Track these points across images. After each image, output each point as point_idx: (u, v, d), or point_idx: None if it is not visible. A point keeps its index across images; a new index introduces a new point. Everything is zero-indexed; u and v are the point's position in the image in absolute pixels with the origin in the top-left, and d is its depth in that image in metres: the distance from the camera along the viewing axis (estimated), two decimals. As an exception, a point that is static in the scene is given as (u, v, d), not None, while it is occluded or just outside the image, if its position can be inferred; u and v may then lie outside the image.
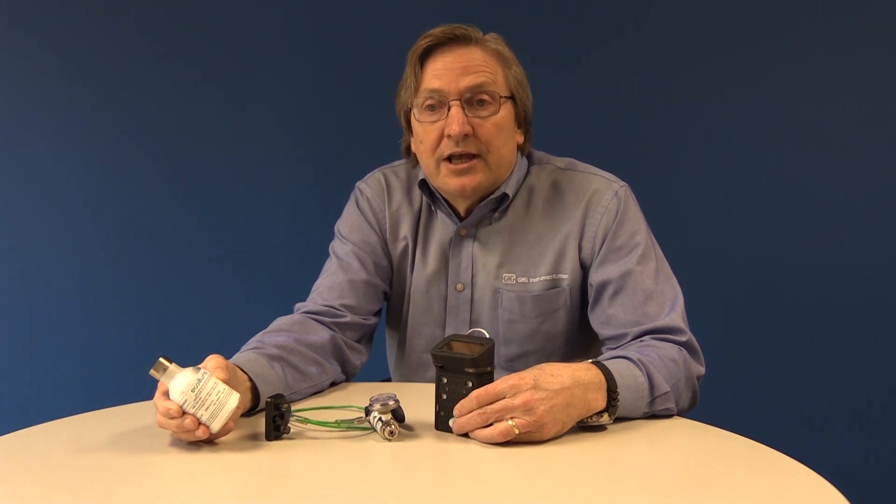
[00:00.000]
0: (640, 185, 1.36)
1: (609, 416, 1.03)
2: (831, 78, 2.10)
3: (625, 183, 1.31)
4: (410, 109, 1.28)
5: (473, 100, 1.23)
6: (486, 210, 1.31)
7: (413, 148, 1.33)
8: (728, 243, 2.17)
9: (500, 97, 1.24)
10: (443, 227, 1.35)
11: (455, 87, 1.22)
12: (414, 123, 1.28)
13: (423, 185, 1.33)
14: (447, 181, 1.26)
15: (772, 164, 2.14)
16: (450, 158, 1.24)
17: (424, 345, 1.37)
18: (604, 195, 1.28)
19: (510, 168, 1.30)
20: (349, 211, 1.41)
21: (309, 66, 2.21)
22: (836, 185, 2.12)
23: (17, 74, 2.20)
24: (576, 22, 2.17)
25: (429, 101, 1.24)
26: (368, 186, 1.40)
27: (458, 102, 1.22)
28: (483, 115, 1.23)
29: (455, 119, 1.21)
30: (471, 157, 1.24)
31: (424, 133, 1.26)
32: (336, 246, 1.38)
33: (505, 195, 1.29)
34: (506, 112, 1.26)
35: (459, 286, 1.33)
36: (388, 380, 1.51)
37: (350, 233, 1.38)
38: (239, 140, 2.23)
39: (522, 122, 1.31)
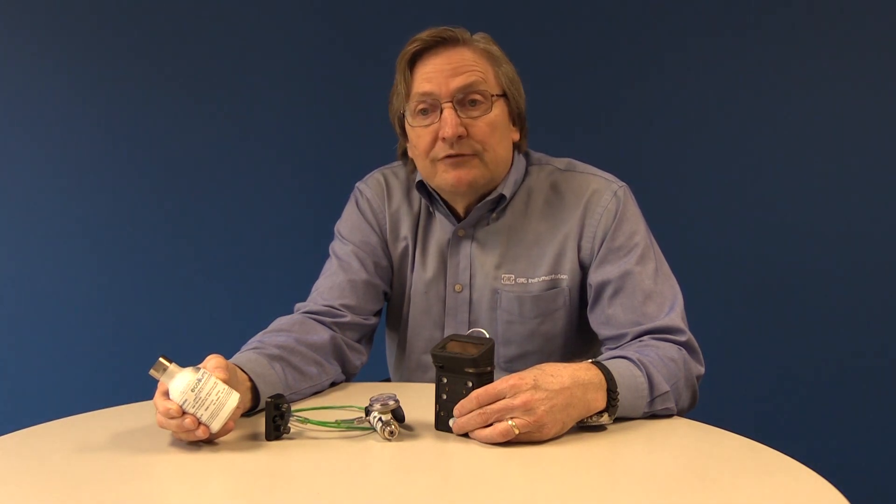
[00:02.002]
0: (639, 185, 1.36)
1: (609, 416, 1.03)
2: (831, 79, 2.10)
3: (624, 183, 1.31)
4: (403, 115, 1.28)
5: (465, 100, 1.23)
6: (484, 210, 1.30)
7: (409, 153, 1.33)
8: (728, 243, 2.17)
9: (492, 96, 1.24)
10: (441, 228, 1.35)
11: (446, 88, 1.22)
12: (408, 128, 1.28)
13: (421, 186, 1.33)
14: (444, 177, 1.25)
15: (772, 164, 2.14)
16: (446, 157, 1.24)
17: (424, 346, 1.37)
18: (603, 195, 1.28)
19: (506, 166, 1.30)
20: (349, 211, 1.41)
21: (308, 67, 2.21)
22: (836, 186, 2.12)
23: (12, 75, 2.20)
24: (576, 22, 2.17)
25: (421, 105, 1.24)
26: (368, 187, 1.40)
27: (450, 104, 1.21)
28: (475, 115, 1.23)
29: (448, 122, 1.21)
30: (465, 155, 1.24)
31: (418, 137, 1.26)
32: (336, 246, 1.38)
33: (502, 196, 1.29)
34: (499, 110, 1.25)
35: (458, 287, 1.33)
36: (388, 380, 1.51)
37: (350, 233, 1.38)
38: (239, 140, 2.23)
39: (517, 119, 1.31)
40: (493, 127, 1.25)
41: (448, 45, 1.24)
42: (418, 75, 1.24)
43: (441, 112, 1.22)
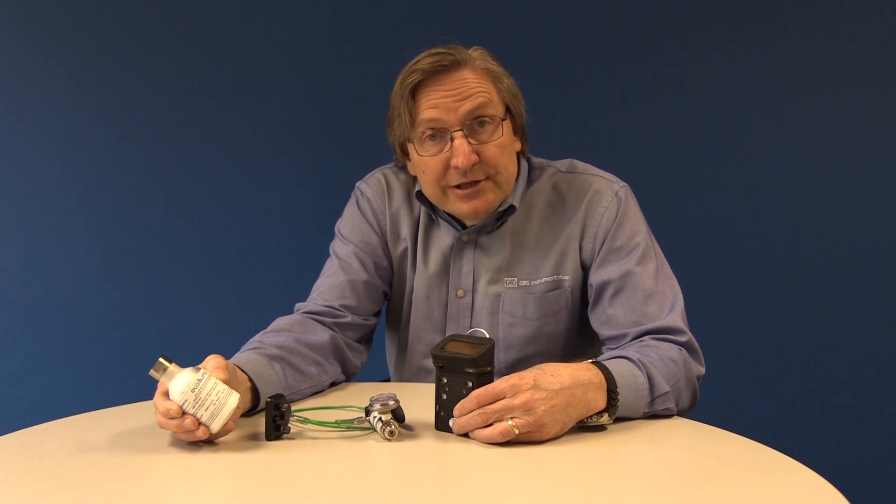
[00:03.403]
0: (640, 185, 1.36)
1: (609, 416, 1.02)
2: (831, 79, 2.10)
3: (625, 183, 1.31)
4: (406, 141, 1.27)
5: (474, 124, 1.21)
6: (491, 219, 1.30)
7: (411, 171, 1.32)
8: (728, 243, 2.17)
9: (500, 119, 1.23)
10: (444, 232, 1.34)
11: (455, 115, 1.20)
12: (414, 155, 1.26)
13: (421, 195, 1.32)
14: (458, 207, 1.25)
15: (772, 165, 2.14)
16: (457, 185, 1.23)
17: (424, 350, 1.37)
18: (604, 196, 1.28)
19: (515, 179, 1.30)
20: (350, 211, 1.40)
21: (308, 66, 2.21)
22: (836, 186, 2.12)
23: (16, 73, 2.20)
24: (576, 23, 2.17)
25: (428, 132, 1.22)
26: (369, 187, 1.40)
27: (460, 132, 1.20)
28: (485, 139, 1.22)
29: (461, 151, 1.19)
30: (479, 181, 1.23)
31: (426, 165, 1.24)
32: (336, 246, 1.38)
33: (511, 206, 1.29)
34: (506, 129, 1.25)
35: (460, 292, 1.33)
36: (388, 380, 1.51)
37: (351, 233, 1.37)
38: (238, 139, 2.23)
39: (518, 129, 1.31)
40: (503, 148, 1.23)
41: (450, 70, 1.21)
42: (423, 103, 1.21)
43: (451, 140, 1.21)
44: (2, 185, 2.23)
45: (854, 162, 2.11)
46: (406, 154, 1.30)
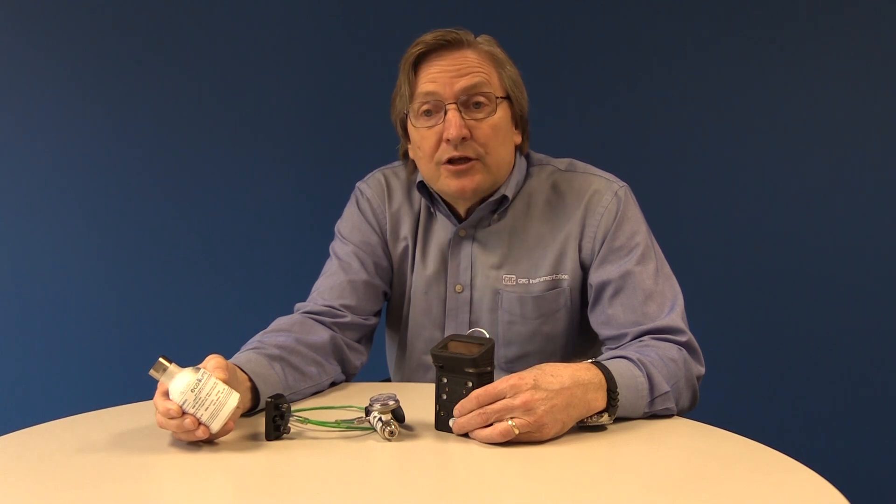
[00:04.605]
0: (639, 185, 1.36)
1: (609, 416, 1.03)
2: (831, 79, 2.10)
3: (624, 183, 1.31)
4: (406, 116, 1.28)
5: (469, 102, 1.23)
6: (486, 212, 1.31)
7: (411, 154, 1.33)
8: (728, 243, 2.17)
9: (496, 98, 1.24)
10: (442, 228, 1.35)
11: (450, 90, 1.22)
12: (411, 130, 1.28)
13: (422, 187, 1.33)
14: (447, 183, 1.26)
15: (773, 165, 2.14)
16: (449, 161, 1.24)
17: (424, 346, 1.37)
18: (603, 195, 1.28)
19: (509, 168, 1.30)
20: (349, 211, 1.41)
21: (309, 67, 2.21)
22: (837, 186, 2.12)
23: (15, 75, 2.20)
24: (576, 22, 2.17)
25: (425, 106, 1.24)
26: (369, 187, 1.40)
27: (454, 106, 1.22)
28: (479, 118, 1.23)
29: (452, 123, 1.21)
30: (469, 159, 1.24)
31: (422, 139, 1.26)
32: (336, 246, 1.38)
33: (504, 197, 1.29)
34: (502, 113, 1.26)
35: (458, 287, 1.33)
36: (388, 380, 1.51)
37: (350, 233, 1.38)
38: (238, 140, 2.23)
39: (519, 122, 1.31)
40: (496, 130, 1.25)
41: (452, 48, 1.24)
42: (422, 76, 1.24)
43: (445, 113, 1.22)
44: (1, 185, 2.23)
45: (854, 161, 2.11)
46: (406, 134, 1.31)
